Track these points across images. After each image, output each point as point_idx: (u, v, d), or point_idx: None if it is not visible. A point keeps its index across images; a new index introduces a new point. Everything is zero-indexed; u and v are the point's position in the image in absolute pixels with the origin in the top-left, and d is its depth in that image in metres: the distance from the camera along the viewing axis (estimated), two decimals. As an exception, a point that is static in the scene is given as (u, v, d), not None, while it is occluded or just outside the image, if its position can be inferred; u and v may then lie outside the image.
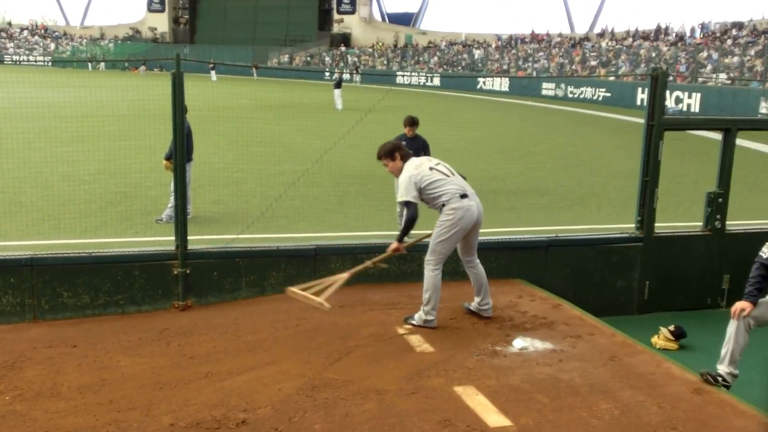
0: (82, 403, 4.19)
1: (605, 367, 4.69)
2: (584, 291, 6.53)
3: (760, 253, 4.52)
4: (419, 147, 7.89)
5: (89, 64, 44.93)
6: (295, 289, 5.28)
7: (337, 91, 26.28)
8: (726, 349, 4.55)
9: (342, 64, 57.66)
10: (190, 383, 4.44)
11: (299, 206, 9.25)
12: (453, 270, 6.56)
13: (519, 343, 5.05)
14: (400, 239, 5.33)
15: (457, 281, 6.40)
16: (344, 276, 5.38)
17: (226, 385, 4.40)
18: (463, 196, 5.22)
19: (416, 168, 5.31)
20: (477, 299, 5.55)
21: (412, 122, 8.11)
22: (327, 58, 59.61)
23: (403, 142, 7.33)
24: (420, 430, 3.85)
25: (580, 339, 5.19)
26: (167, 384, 4.43)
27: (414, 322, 5.40)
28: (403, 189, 5.24)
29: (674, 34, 40.16)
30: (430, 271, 5.33)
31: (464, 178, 5.46)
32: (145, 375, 4.58)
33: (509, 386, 4.38)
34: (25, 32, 71.59)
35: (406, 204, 5.22)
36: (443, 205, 5.22)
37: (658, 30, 41.62)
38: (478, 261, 5.51)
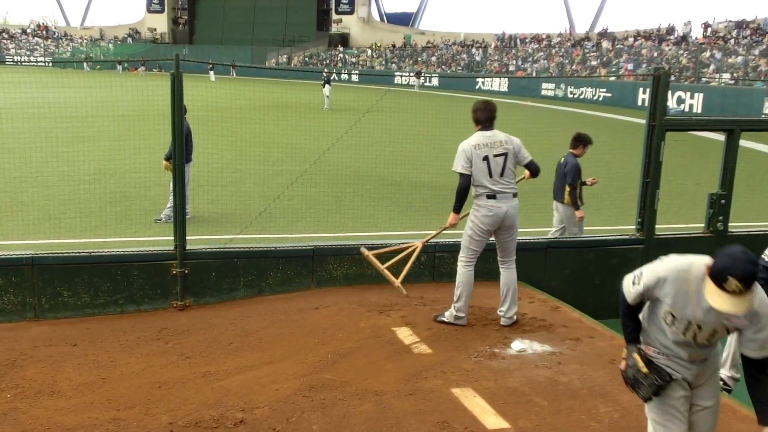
0: (81, 402, 4.19)
1: (605, 370, 4.68)
2: (584, 293, 6.52)
3: (762, 256, 4.49)
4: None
5: (85, 65, 44.87)
6: (368, 253, 5.48)
7: (325, 90, 26.33)
8: (727, 353, 4.54)
9: (341, 64, 57.66)
10: (189, 382, 4.44)
11: (297, 207, 9.24)
12: (451, 271, 6.56)
13: (517, 345, 5.05)
14: (455, 210, 5.32)
15: (455, 282, 6.40)
16: (418, 246, 5.54)
17: (224, 385, 4.40)
18: (491, 197, 5.17)
19: (475, 145, 5.17)
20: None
21: (589, 142, 7.39)
22: (327, 60, 59.61)
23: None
24: (417, 431, 3.85)
25: (579, 341, 5.18)
26: (166, 383, 4.43)
27: (444, 319, 5.44)
28: (455, 158, 5.21)
29: (676, 34, 40.15)
30: (461, 268, 5.39)
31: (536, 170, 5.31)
32: (143, 374, 4.58)
33: (507, 388, 4.38)
34: (29, 30, 71.50)
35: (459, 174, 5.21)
36: (475, 198, 5.26)
37: (664, 31, 41.58)
38: (510, 265, 5.44)
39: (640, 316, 3.03)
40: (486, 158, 5.15)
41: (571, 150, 7.43)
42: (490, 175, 5.17)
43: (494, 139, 5.21)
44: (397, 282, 5.31)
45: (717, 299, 2.55)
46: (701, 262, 2.75)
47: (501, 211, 5.19)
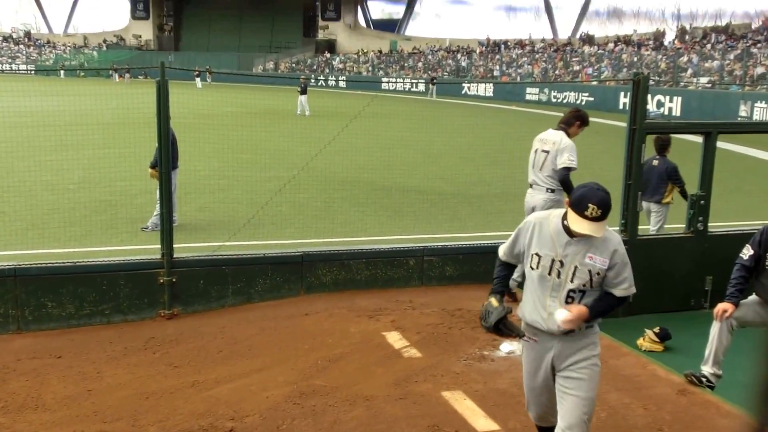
0: (67, 415, 4.14)
1: (592, 370, 4.72)
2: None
3: (741, 255, 4.58)
4: (660, 173, 7.43)
5: (61, 72, 44.26)
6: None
7: (303, 97, 26.19)
8: (709, 350, 4.61)
9: (327, 71, 57.72)
10: (177, 392, 4.41)
11: (286, 213, 9.22)
12: (440, 275, 6.59)
13: (506, 347, 5.08)
14: None
15: (444, 286, 6.43)
16: None
17: (214, 394, 4.38)
18: (530, 185, 6.06)
19: (536, 139, 6.06)
20: None
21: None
22: (314, 66, 59.64)
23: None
24: (409, 435, 3.86)
25: (566, 342, 5.22)
26: (154, 394, 4.39)
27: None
28: None
29: (654, 40, 40.73)
30: None
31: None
32: (131, 385, 4.54)
33: (497, 390, 4.40)
34: (14, 36, 70.65)
35: None
36: None
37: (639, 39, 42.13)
38: None
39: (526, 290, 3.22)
40: (536, 151, 5.98)
41: (662, 155, 7.50)
42: (533, 166, 6.03)
43: (549, 138, 5.99)
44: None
45: (579, 224, 2.96)
46: (558, 210, 3.21)
47: (532, 199, 6.00)
